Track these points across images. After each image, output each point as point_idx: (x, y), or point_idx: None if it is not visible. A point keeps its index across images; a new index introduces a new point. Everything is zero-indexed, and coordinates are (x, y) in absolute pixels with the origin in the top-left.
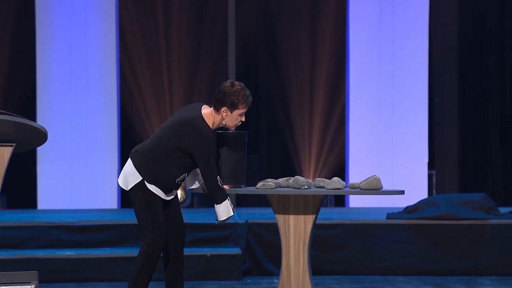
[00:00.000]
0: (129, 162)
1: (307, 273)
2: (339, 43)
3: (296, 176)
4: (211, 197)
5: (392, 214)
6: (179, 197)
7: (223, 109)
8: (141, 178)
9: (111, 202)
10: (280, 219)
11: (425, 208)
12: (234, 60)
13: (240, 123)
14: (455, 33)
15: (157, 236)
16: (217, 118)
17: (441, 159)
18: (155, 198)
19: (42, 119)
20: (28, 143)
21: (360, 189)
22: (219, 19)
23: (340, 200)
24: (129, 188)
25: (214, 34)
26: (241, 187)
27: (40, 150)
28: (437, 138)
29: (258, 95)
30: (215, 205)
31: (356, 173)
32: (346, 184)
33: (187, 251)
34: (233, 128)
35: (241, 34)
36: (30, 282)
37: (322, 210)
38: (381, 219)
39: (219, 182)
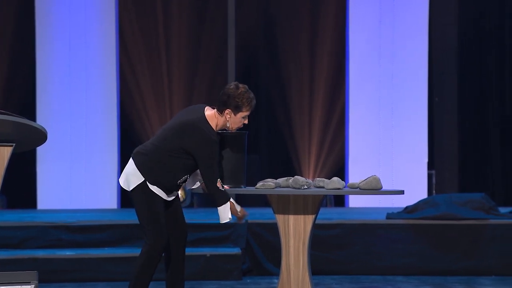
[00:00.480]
0: (131, 162)
1: (307, 273)
2: (339, 43)
3: (295, 176)
4: (211, 199)
5: (392, 214)
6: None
7: (227, 111)
8: (143, 179)
9: (111, 202)
10: (279, 219)
11: (425, 208)
12: (234, 60)
13: (243, 125)
14: (455, 32)
15: (158, 237)
16: (221, 120)
17: (440, 159)
18: (157, 198)
19: (42, 119)
20: (28, 143)
21: (360, 189)
22: (219, 19)
23: (339, 200)
24: (130, 189)
25: (214, 34)
26: (241, 187)
27: (40, 150)
28: (437, 138)
29: (258, 95)
30: (218, 208)
31: (356, 173)
32: (345, 184)
33: (187, 251)
34: (235, 130)
35: (241, 35)
36: (30, 282)
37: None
38: (381, 219)
39: (219, 185)
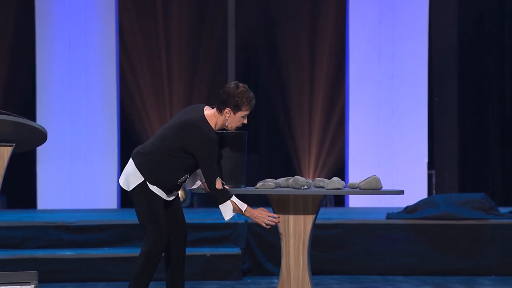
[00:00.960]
0: (131, 162)
1: (307, 273)
2: (339, 43)
3: (295, 176)
4: (212, 198)
5: (391, 214)
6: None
7: (227, 110)
8: (143, 178)
9: (111, 202)
10: (279, 219)
11: (425, 208)
12: (234, 60)
13: (242, 125)
14: (455, 32)
15: (158, 237)
16: (220, 119)
17: (440, 159)
18: (157, 198)
19: (42, 119)
20: (28, 143)
21: (360, 189)
22: (219, 19)
23: (339, 200)
24: (130, 189)
25: (214, 34)
26: (241, 187)
27: (40, 150)
28: (437, 138)
29: (258, 95)
30: (218, 205)
31: (356, 173)
32: (345, 184)
33: (187, 251)
34: (234, 130)
35: (241, 35)
36: (30, 282)
37: (322, 210)
38: (381, 219)
39: (219, 183)
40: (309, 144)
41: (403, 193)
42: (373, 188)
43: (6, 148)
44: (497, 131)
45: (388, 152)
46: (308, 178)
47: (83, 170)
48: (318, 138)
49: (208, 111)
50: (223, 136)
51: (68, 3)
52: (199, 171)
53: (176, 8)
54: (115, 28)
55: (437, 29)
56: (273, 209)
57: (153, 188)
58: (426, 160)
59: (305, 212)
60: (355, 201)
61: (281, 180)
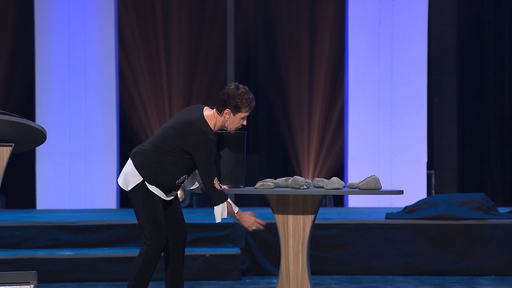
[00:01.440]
0: (129, 162)
1: (306, 273)
2: (338, 43)
3: (295, 176)
4: (209, 198)
5: (391, 214)
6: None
7: (226, 111)
8: (142, 178)
9: (110, 202)
10: (279, 219)
11: (424, 208)
12: (233, 61)
13: (241, 126)
14: (454, 32)
15: (157, 237)
16: (219, 120)
17: (440, 159)
18: (155, 198)
19: (41, 119)
20: (27, 143)
21: (359, 189)
22: (218, 19)
23: (339, 200)
24: (129, 189)
25: (213, 35)
26: (240, 187)
27: (39, 150)
28: (436, 138)
29: (257, 95)
30: (214, 207)
31: (355, 173)
32: (345, 184)
33: (186, 251)
34: (233, 131)
35: (240, 35)
36: (29, 282)
37: (321, 210)
38: (380, 219)
39: (217, 184)
40: (309, 144)
41: (403, 193)
42: (372, 188)
43: (5, 148)
44: (496, 131)
45: (388, 152)
46: (308, 178)
47: (82, 170)
48: (318, 138)
49: (208, 112)
50: (222, 136)
51: (67, 3)
52: (197, 171)
53: (176, 8)
54: (114, 28)
55: (436, 29)
56: (272, 209)
57: (152, 188)
58: (425, 160)
59: (304, 212)
60: (354, 201)
61: (280, 180)
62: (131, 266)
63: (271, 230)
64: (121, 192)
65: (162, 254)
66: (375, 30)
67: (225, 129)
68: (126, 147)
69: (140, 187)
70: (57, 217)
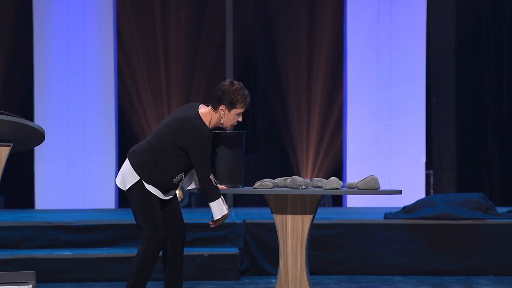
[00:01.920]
0: (127, 162)
1: (305, 273)
2: (337, 43)
3: (293, 176)
4: (204, 195)
5: (389, 214)
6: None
7: (221, 107)
8: (139, 177)
9: (109, 202)
10: (277, 219)
11: (423, 208)
12: (232, 60)
13: (237, 123)
14: (452, 32)
15: (155, 236)
16: (215, 116)
17: (438, 159)
18: (153, 197)
19: (40, 119)
20: (25, 143)
21: (358, 189)
22: (217, 19)
23: (337, 200)
24: (126, 188)
25: (212, 34)
26: (239, 187)
27: (38, 150)
28: (435, 138)
29: (256, 94)
30: (209, 203)
31: (354, 173)
32: (343, 184)
33: (185, 251)
34: (230, 128)
35: (239, 34)
36: (28, 282)
37: (320, 210)
38: (379, 219)
39: (212, 180)
40: (307, 144)
41: (401, 193)
42: (371, 188)
43: (4, 148)
44: (495, 131)
45: (386, 152)
46: (306, 178)
47: (81, 170)
48: (316, 138)
49: (203, 109)
50: (221, 136)
51: (66, 3)
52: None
53: (174, 8)
54: (113, 28)
55: (435, 29)
56: (271, 209)
57: (149, 188)
58: (424, 160)
59: (303, 212)
60: (353, 201)
61: (279, 180)
62: (130, 266)
63: (270, 230)
64: (120, 192)
65: (161, 254)
66: (374, 30)
67: (221, 125)
68: (125, 147)
69: (138, 186)
70: (55, 217)
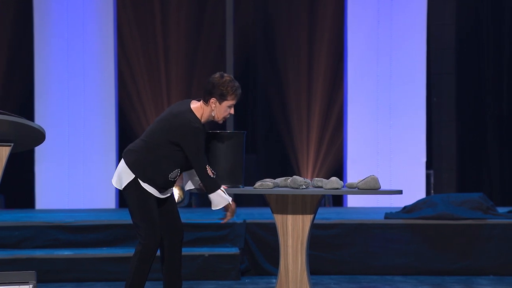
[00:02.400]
0: (122, 161)
1: (305, 273)
2: (337, 42)
3: (294, 176)
4: (204, 187)
5: (390, 214)
6: (177, 197)
7: (212, 100)
8: (134, 176)
9: (109, 202)
10: (278, 219)
11: (423, 208)
12: (232, 60)
13: (229, 115)
14: (453, 32)
15: (151, 235)
16: (206, 110)
17: (439, 159)
18: (150, 196)
19: (40, 119)
20: (26, 143)
21: (358, 189)
22: (217, 19)
23: (338, 200)
24: (123, 187)
25: (212, 34)
26: (239, 187)
27: (38, 150)
28: (435, 138)
29: (256, 94)
30: (208, 195)
31: (354, 173)
32: (344, 184)
33: (185, 251)
34: (222, 121)
35: (239, 34)
36: (28, 282)
37: (320, 210)
38: (379, 219)
39: (209, 171)
40: (308, 144)
41: (401, 193)
42: (371, 188)
43: (4, 148)
44: (495, 131)
45: (387, 152)
46: (307, 178)
47: (81, 170)
48: (317, 137)
49: (195, 104)
50: (221, 135)
51: (66, 3)
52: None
53: (175, 8)
54: (113, 28)
55: (435, 29)
56: (271, 209)
57: (145, 186)
58: (424, 160)
59: (303, 212)
60: (353, 201)
61: (279, 180)
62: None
63: (270, 229)
64: (120, 192)
65: (160, 254)
66: (374, 30)
67: (213, 119)
68: (125, 147)
69: (133, 184)
70: (56, 217)
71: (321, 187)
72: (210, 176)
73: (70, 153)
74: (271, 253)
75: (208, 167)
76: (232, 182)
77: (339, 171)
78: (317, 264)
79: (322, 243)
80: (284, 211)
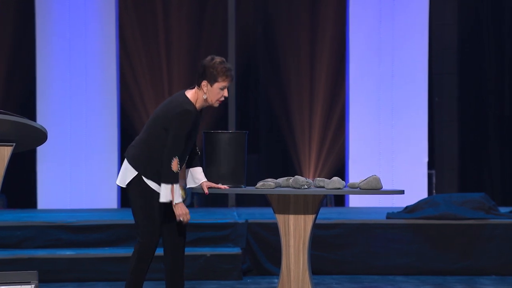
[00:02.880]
0: (125, 159)
1: (307, 273)
2: (339, 42)
3: (296, 176)
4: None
5: (391, 214)
6: None
7: (204, 83)
8: (137, 173)
9: (111, 202)
10: (280, 219)
11: (425, 207)
12: (234, 60)
13: (223, 98)
14: (455, 32)
15: (150, 234)
16: (200, 94)
17: (440, 159)
18: (153, 193)
19: (42, 119)
20: (27, 143)
21: (360, 189)
22: (219, 18)
23: (340, 200)
24: (126, 184)
25: (213, 34)
26: (241, 187)
27: (40, 150)
28: (437, 138)
29: (258, 94)
30: (161, 183)
31: (356, 173)
32: (346, 183)
33: (187, 251)
34: (217, 105)
35: (240, 34)
36: (30, 282)
37: (322, 210)
38: (381, 219)
39: (175, 163)
40: (309, 144)
41: (403, 193)
42: (373, 188)
43: (6, 148)
44: (496, 131)
45: (388, 152)
46: (308, 178)
47: (83, 170)
48: (318, 137)
49: (189, 92)
50: (223, 135)
51: (68, 3)
52: (199, 169)
53: (176, 8)
54: (115, 28)
55: (437, 29)
56: (273, 209)
57: (149, 182)
58: (426, 160)
59: (305, 212)
60: (355, 201)
61: (281, 180)
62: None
63: (272, 229)
64: (122, 191)
65: (163, 254)
66: (375, 30)
67: (207, 103)
68: (127, 147)
69: (137, 181)
70: (57, 217)
71: (323, 187)
72: (171, 167)
73: (72, 153)
74: (273, 253)
75: (176, 159)
76: (234, 182)
77: (341, 171)
78: (319, 264)
79: (324, 243)
80: (286, 211)
